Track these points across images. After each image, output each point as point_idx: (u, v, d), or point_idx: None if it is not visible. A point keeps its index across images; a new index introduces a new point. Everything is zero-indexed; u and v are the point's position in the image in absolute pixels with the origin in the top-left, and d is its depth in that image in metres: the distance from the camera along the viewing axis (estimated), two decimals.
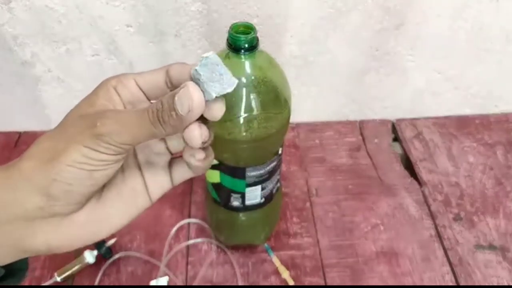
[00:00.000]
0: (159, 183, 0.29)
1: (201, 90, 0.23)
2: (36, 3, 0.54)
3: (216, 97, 0.23)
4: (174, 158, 0.30)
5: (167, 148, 0.29)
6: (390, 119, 0.74)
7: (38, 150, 0.25)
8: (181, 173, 0.29)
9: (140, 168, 0.29)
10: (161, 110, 0.23)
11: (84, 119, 0.25)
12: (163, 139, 0.29)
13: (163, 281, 0.53)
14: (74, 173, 0.24)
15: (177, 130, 0.24)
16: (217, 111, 0.25)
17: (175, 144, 0.29)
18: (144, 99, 0.27)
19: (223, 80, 0.23)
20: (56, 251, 0.26)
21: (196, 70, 0.23)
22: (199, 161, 0.27)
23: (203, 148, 0.27)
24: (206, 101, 0.23)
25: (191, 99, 0.23)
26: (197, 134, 0.24)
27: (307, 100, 0.70)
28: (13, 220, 0.25)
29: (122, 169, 0.28)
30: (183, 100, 0.23)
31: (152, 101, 0.28)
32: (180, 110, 0.23)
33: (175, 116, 0.23)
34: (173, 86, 0.26)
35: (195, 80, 0.24)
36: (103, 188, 0.27)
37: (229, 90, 0.24)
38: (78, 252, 0.55)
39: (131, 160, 0.29)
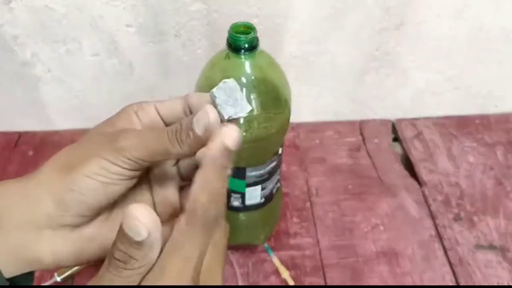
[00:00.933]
0: (168, 207, 0.29)
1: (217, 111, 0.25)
2: (36, 3, 0.54)
3: (230, 120, 0.25)
4: (184, 186, 0.30)
5: (179, 173, 0.30)
6: (390, 119, 0.74)
7: (56, 162, 0.26)
8: None
9: (152, 194, 0.29)
10: (180, 129, 0.25)
11: (106, 135, 0.26)
12: (177, 167, 0.30)
13: None
14: (90, 184, 0.24)
15: (192, 150, 0.25)
16: (231, 136, 0.24)
17: (187, 170, 0.30)
18: (162, 125, 0.28)
19: (237, 105, 0.25)
20: (62, 264, 0.26)
21: (213, 92, 0.25)
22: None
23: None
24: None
25: (207, 117, 0.24)
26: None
27: (307, 100, 0.70)
28: (22, 226, 0.25)
29: (134, 193, 0.29)
30: (200, 119, 0.24)
31: None
32: (197, 129, 0.24)
33: (191, 136, 0.24)
34: (191, 113, 0.27)
35: (212, 101, 0.25)
36: (113, 207, 0.28)
37: (242, 114, 0.25)
38: None
39: (144, 185, 0.29)
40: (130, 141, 0.25)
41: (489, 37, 0.63)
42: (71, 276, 0.53)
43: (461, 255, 0.56)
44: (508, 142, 0.70)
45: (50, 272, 0.53)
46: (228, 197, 0.47)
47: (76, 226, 0.26)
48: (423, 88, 0.70)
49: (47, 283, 0.52)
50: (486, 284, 0.53)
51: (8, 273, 0.26)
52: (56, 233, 0.25)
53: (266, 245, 0.56)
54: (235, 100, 0.25)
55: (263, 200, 0.48)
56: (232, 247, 0.56)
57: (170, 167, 0.29)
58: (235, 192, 0.46)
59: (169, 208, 0.29)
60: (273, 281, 0.53)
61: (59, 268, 0.26)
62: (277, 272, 0.54)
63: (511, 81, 0.70)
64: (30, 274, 0.29)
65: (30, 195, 0.25)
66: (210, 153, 0.24)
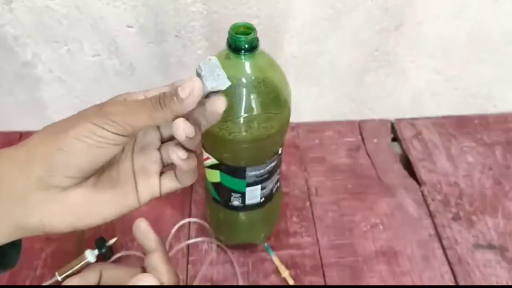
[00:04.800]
0: (149, 188, 0.31)
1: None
2: (37, 3, 0.54)
3: (213, 92, 0.28)
4: (165, 171, 0.33)
5: (161, 159, 0.32)
6: (389, 119, 0.74)
7: (46, 129, 0.28)
8: (169, 183, 0.32)
9: (134, 173, 0.31)
10: (163, 97, 0.27)
11: (95, 105, 0.28)
12: (160, 152, 0.32)
13: None
14: (79, 145, 0.26)
15: (173, 115, 0.27)
16: (218, 103, 0.28)
17: (167, 154, 0.32)
18: None
19: (219, 79, 0.28)
20: (49, 229, 0.28)
21: (199, 65, 0.28)
22: (181, 160, 0.29)
23: (188, 150, 0.30)
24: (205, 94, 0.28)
25: (192, 84, 0.26)
26: (181, 125, 0.27)
27: (307, 100, 0.71)
28: (11, 192, 0.26)
29: (118, 169, 0.31)
30: (185, 85, 0.26)
31: None
32: (181, 93, 0.26)
33: (175, 100, 0.26)
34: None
35: (198, 74, 0.28)
36: (99, 177, 0.29)
37: (222, 87, 0.28)
38: (79, 251, 0.56)
39: (127, 164, 0.31)
40: (116, 107, 0.27)
41: (488, 37, 0.63)
42: (72, 275, 0.53)
43: (460, 254, 0.56)
44: (506, 142, 0.71)
45: (51, 271, 0.54)
46: (228, 196, 0.48)
47: (64, 188, 0.27)
48: (422, 88, 0.70)
49: (48, 283, 0.53)
50: (485, 283, 0.54)
51: None
52: (44, 195, 0.27)
53: (266, 244, 0.57)
54: (217, 76, 0.28)
55: (263, 199, 0.48)
56: (232, 246, 0.56)
57: (152, 153, 0.32)
58: (235, 192, 0.47)
59: (149, 195, 0.32)
60: (273, 280, 0.54)
61: (47, 232, 0.28)
62: (277, 271, 0.54)
63: (510, 81, 0.70)
64: (18, 246, 0.30)
65: (20, 160, 0.27)
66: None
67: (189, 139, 0.28)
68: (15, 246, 0.30)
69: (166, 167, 0.33)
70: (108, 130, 0.26)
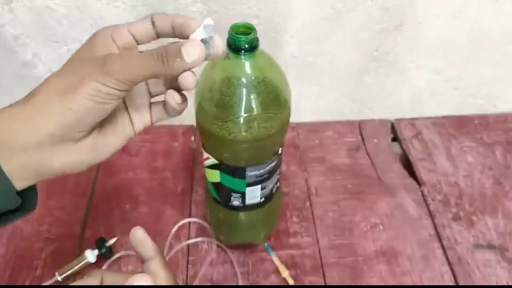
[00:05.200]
0: (141, 119, 0.35)
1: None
2: (37, 3, 0.54)
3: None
4: (154, 102, 0.35)
5: (149, 92, 0.35)
6: (389, 119, 0.75)
7: (51, 86, 0.29)
8: (159, 114, 0.35)
9: (127, 109, 0.35)
10: (166, 54, 0.28)
11: (94, 59, 0.29)
12: (147, 85, 0.35)
13: None
14: (87, 104, 0.28)
15: (175, 73, 0.29)
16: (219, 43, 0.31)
17: (156, 89, 0.35)
18: (136, 46, 0.33)
19: (213, 41, 0.31)
20: (69, 171, 0.31)
21: (202, 30, 0.30)
22: (177, 103, 0.33)
23: (182, 95, 0.33)
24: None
25: (199, 52, 0.29)
26: (193, 79, 0.30)
27: (307, 100, 0.71)
28: (28, 147, 0.28)
29: (114, 110, 0.33)
30: (191, 51, 0.29)
31: (140, 46, 0.33)
32: (187, 58, 0.29)
33: (178, 61, 0.29)
34: (158, 32, 0.33)
35: (202, 39, 0.30)
36: (102, 122, 0.32)
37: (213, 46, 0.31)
38: (79, 252, 0.56)
39: (121, 104, 0.34)
40: (118, 64, 0.28)
41: (488, 37, 0.64)
42: (72, 275, 0.53)
43: (460, 254, 0.56)
44: (507, 142, 0.71)
45: (51, 271, 0.54)
46: (228, 196, 0.48)
47: (76, 140, 0.30)
48: (422, 88, 0.70)
49: (48, 283, 0.53)
50: (485, 283, 0.54)
51: (20, 186, 0.29)
52: (58, 147, 0.29)
53: (266, 244, 0.57)
54: (211, 37, 0.31)
55: (263, 199, 0.48)
56: (232, 246, 0.56)
57: (141, 88, 0.35)
58: (235, 192, 0.47)
59: (142, 125, 0.35)
60: (273, 280, 0.54)
61: (67, 174, 0.31)
62: (277, 271, 0.54)
63: (510, 81, 0.70)
64: (34, 189, 0.32)
65: (30, 120, 0.28)
66: None
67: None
68: (31, 189, 0.31)
69: (154, 97, 0.36)
70: (112, 88, 0.28)
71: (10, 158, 0.28)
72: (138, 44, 0.33)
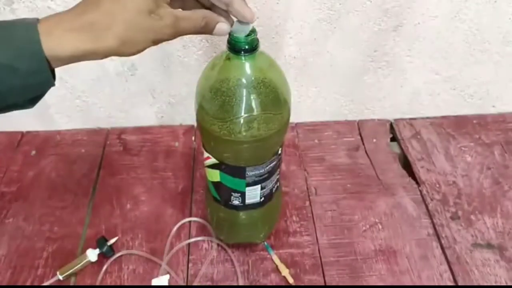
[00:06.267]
0: None
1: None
2: (38, 4, 0.55)
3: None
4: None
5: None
6: (388, 119, 0.75)
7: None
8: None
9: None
10: (206, 23, 0.35)
11: (167, 15, 0.33)
12: None
13: (164, 279, 0.53)
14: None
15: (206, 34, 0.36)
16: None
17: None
18: None
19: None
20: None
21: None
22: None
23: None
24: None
25: (225, 30, 0.36)
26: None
27: (307, 101, 0.71)
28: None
29: None
30: (222, 29, 0.36)
31: None
32: (216, 32, 0.36)
33: (210, 30, 0.35)
34: None
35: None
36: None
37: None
38: (80, 251, 0.56)
39: None
40: (182, 25, 0.34)
41: (486, 38, 0.64)
42: (73, 275, 0.54)
43: (458, 253, 0.57)
44: (505, 141, 0.71)
45: (52, 270, 0.54)
46: (229, 196, 0.48)
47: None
48: (421, 89, 0.71)
49: (49, 282, 0.53)
50: (484, 283, 0.54)
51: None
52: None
53: (266, 243, 0.57)
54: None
55: (262, 199, 0.49)
56: (233, 245, 0.57)
57: None
58: (235, 191, 0.47)
59: None
60: (273, 278, 0.54)
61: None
62: (277, 270, 0.55)
63: (508, 81, 0.71)
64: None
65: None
66: None
67: None
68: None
69: None
70: (166, 38, 0.33)
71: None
72: None
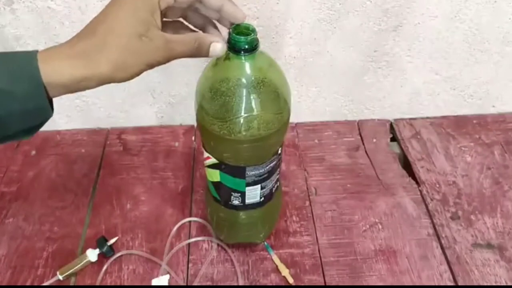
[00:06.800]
0: None
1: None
2: (38, 4, 0.55)
3: None
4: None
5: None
6: (388, 119, 0.75)
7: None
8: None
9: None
10: (200, 45, 0.36)
11: (159, 38, 0.34)
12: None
13: (164, 279, 0.53)
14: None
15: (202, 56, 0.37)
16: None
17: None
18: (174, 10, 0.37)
19: None
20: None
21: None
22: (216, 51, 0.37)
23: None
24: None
25: (221, 50, 0.37)
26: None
27: (307, 100, 0.71)
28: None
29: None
30: (217, 49, 0.37)
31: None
32: (211, 52, 0.37)
33: (205, 52, 0.37)
34: (202, 3, 0.37)
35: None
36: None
37: None
38: (80, 251, 0.56)
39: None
40: (176, 50, 0.35)
41: (486, 38, 0.64)
42: (73, 275, 0.54)
43: (458, 253, 0.57)
44: (505, 141, 0.71)
45: (53, 270, 0.54)
46: (228, 196, 0.48)
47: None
48: (421, 89, 0.71)
49: (49, 282, 0.53)
50: (484, 283, 0.54)
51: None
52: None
53: (266, 243, 0.57)
54: None
55: (262, 199, 0.49)
56: (233, 245, 0.57)
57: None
58: (235, 191, 0.47)
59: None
60: (273, 278, 0.54)
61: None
62: (276, 270, 0.55)
63: (508, 81, 0.71)
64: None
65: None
66: None
67: None
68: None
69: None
70: (161, 61, 0.35)
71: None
72: (174, 5, 0.36)
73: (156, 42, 0.33)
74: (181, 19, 0.39)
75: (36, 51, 0.32)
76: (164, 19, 0.36)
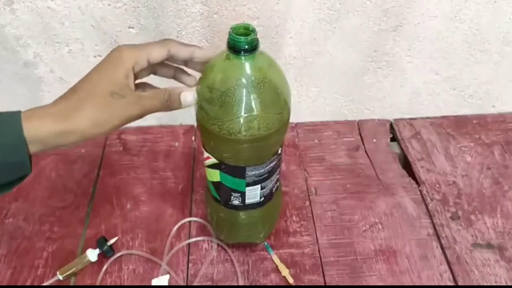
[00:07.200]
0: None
1: None
2: (38, 4, 0.55)
3: None
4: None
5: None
6: (388, 119, 0.75)
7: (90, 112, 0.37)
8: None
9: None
10: (169, 99, 0.39)
11: (130, 97, 0.37)
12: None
13: (164, 279, 0.53)
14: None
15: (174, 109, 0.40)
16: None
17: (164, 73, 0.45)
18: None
19: None
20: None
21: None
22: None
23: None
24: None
25: (192, 99, 0.40)
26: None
27: (307, 101, 0.71)
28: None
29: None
30: (187, 98, 0.40)
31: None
32: (183, 103, 0.39)
33: (177, 104, 0.39)
34: (171, 58, 0.41)
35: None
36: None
37: None
38: (81, 251, 0.56)
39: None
40: (146, 106, 0.38)
41: (486, 38, 0.64)
42: (73, 275, 0.54)
43: (458, 253, 0.57)
44: (505, 141, 0.71)
45: (52, 270, 0.54)
46: (228, 196, 0.48)
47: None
48: (421, 89, 0.71)
49: (49, 282, 0.53)
50: (484, 283, 0.54)
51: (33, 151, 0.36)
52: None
53: (266, 243, 0.57)
54: None
55: (262, 199, 0.49)
56: (233, 245, 0.57)
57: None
58: (235, 191, 0.47)
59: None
60: (273, 278, 0.54)
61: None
62: (276, 270, 0.55)
63: (508, 81, 0.71)
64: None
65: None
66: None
67: None
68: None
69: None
70: (133, 118, 0.38)
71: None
72: (149, 63, 0.40)
73: (128, 99, 0.37)
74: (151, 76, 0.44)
75: (20, 111, 0.35)
76: (137, 81, 0.40)
